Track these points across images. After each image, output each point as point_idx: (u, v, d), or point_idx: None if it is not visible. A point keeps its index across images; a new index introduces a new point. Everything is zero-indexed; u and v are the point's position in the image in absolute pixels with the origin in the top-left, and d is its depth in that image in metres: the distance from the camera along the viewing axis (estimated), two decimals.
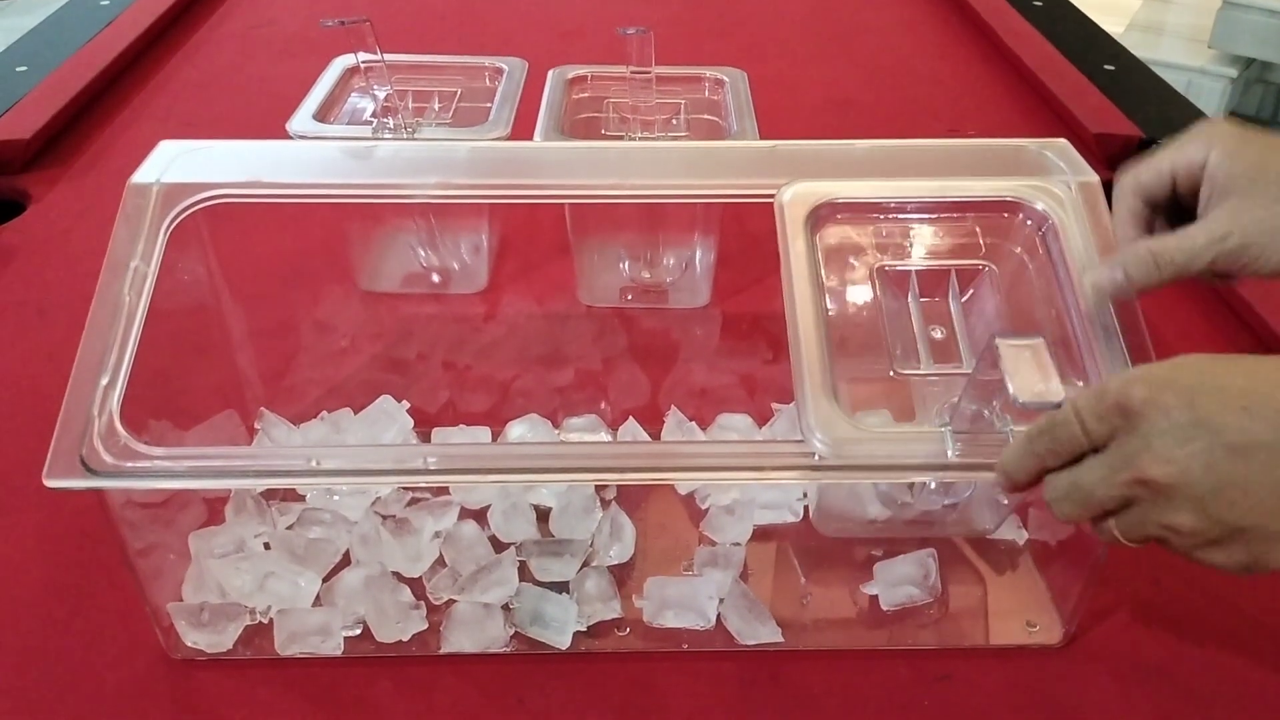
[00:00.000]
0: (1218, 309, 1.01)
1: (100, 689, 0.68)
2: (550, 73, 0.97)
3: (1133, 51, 1.49)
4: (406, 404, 0.84)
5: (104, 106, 1.36)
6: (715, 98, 0.97)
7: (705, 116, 0.95)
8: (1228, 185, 0.56)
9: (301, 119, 0.89)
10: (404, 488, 0.77)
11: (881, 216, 0.71)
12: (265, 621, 0.71)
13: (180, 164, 0.72)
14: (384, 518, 0.75)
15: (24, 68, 1.36)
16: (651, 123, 0.92)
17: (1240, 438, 0.48)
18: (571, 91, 0.96)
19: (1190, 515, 0.50)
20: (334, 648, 0.70)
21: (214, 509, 0.76)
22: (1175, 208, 0.62)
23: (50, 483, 0.59)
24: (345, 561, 0.74)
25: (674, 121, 0.94)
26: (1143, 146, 1.24)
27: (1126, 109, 1.29)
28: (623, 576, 0.75)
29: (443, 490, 0.77)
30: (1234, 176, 0.56)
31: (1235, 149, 0.57)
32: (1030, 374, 0.53)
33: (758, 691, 0.69)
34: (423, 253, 1.01)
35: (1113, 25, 1.63)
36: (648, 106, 0.91)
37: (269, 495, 0.77)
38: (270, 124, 0.90)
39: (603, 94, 0.96)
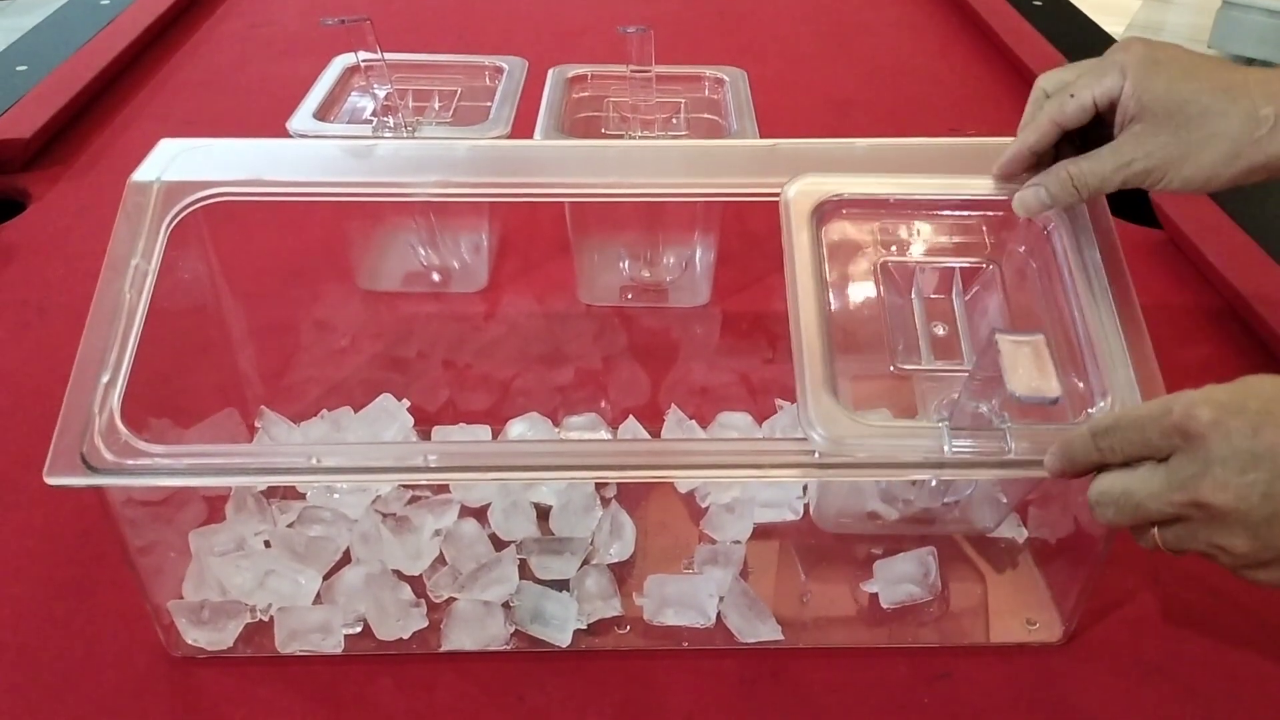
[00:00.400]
0: (1220, 307, 1.01)
1: (100, 687, 0.68)
2: (550, 72, 0.97)
3: None
4: (407, 402, 0.84)
5: (104, 106, 1.36)
6: (715, 97, 0.97)
7: (705, 116, 0.95)
8: (1138, 113, 0.61)
9: (302, 118, 0.89)
10: (404, 486, 0.77)
11: (886, 213, 0.71)
12: (266, 619, 0.71)
13: (180, 162, 0.72)
14: (384, 516, 0.75)
15: (24, 67, 1.36)
16: (651, 122, 0.92)
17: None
18: (571, 90, 0.96)
19: (1243, 539, 0.51)
20: (334, 645, 0.70)
21: (214, 507, 0.76)
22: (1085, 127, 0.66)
23: (51, 480, 0.59)
24: (346, 559, 0.74)
25: (674, 120, 0.94)
26: None
27: None
28: (623, 574, 0.75)
29: (443, 488, 0.77)
30: (1143, 105, 0.61)
31: (1145, 78, 0.61)
32: (1029, 369, 0.53)
33: (758, 689, 0.69)
34: (423, 251, 1.01)
35: (1113, 25, 1.63)
36: (647, 105, 0.91)
37: (269, 493, 0.77)
38: (270, 123, 0.90)
39: (602, 93, 0.96)
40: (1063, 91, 0.65)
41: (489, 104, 0.93)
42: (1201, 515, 0.52)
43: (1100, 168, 0.63)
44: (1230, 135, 0.59)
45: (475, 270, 1.04)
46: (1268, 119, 0.59)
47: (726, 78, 0.98)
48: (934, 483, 0.72)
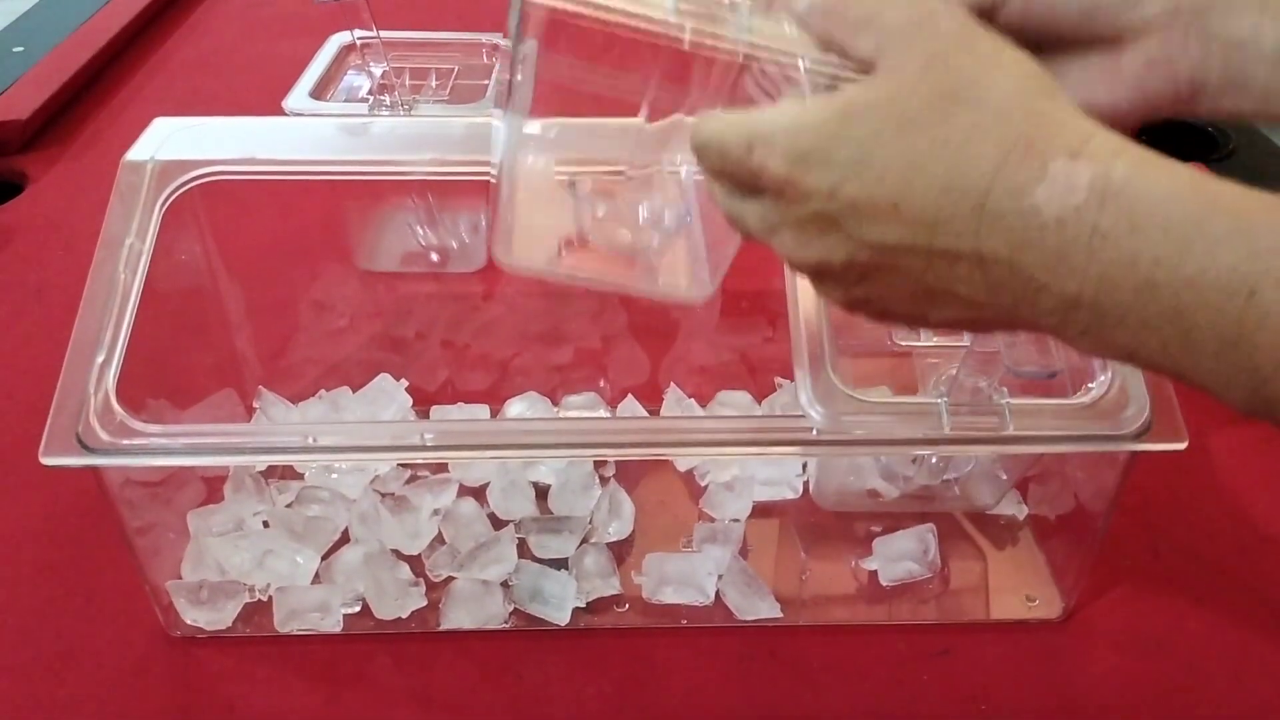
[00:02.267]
0: None
1: (100, 667, 0.68)
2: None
3: None
4: (405, 383, 0.84)
5: (101, 86, 1.35)
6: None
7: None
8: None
9: (297, 97, 0.89)
10: (403, 465, 0.77)
11: None
12: (264, 599, 0.71)
13: (175, 141, 0.71)
14: (383, 495, 0.75)
15: (20, 48, 1.35)
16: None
17: (883, 239, 0.40)
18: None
19: (837, 291, 0.44)
20: (333, 625, 0.70)
21: (213, 487, 0.76)
22: None
23: (47, 461, 0.59)
24: (344, 539, 0.74)
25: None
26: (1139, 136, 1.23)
27: None
28: (622, 553, 0.75)
29: (441, 467, 0.77)
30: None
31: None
32: (1027, 344, 0.53)
33: (757, 666, 0.69)
34: (421, 231, 1.01)
35: None
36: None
37: (268, 473, 0.77)
38: (267, 102, 0.89)
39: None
40: None
41: (486, 82, 0.93)
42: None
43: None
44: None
45: (474, 250, 1.03)
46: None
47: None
48: (934, 460, 0.72)
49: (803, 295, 0.64)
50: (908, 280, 0.41)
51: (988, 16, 0.46)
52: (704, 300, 0.59)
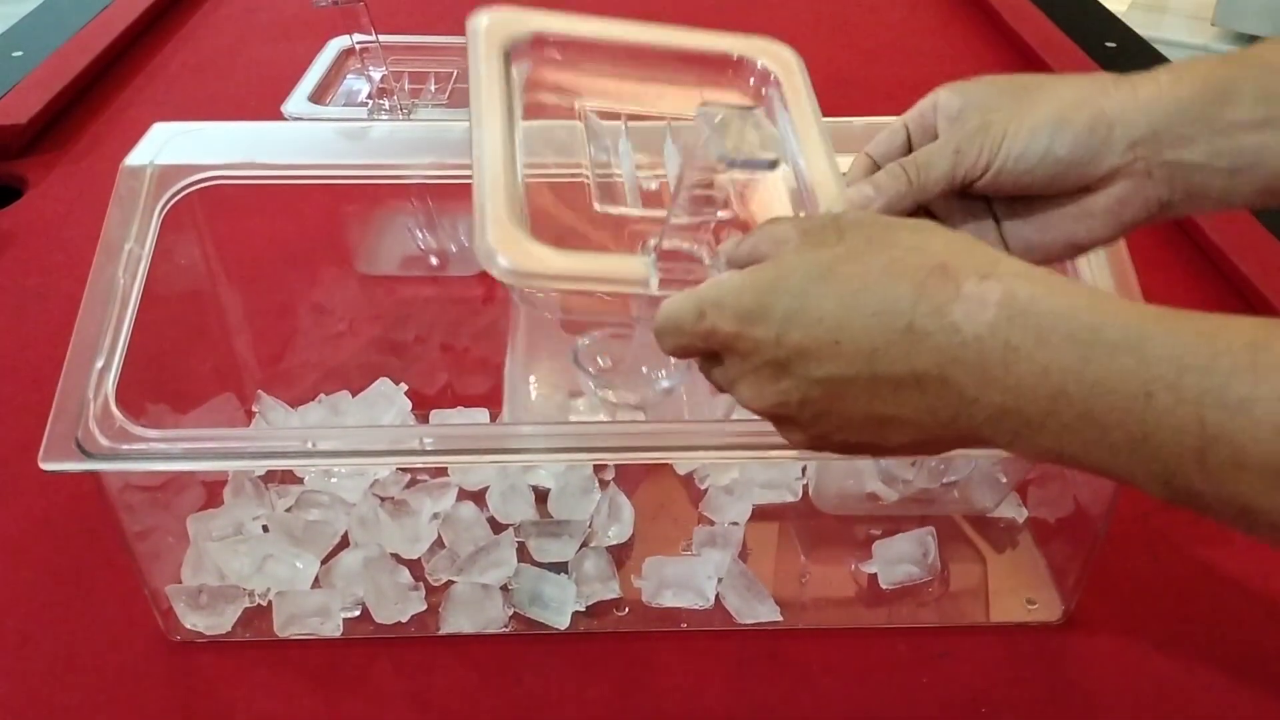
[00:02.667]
0: (1220, 285, 1.01)
1: (99, 671, 0.68)
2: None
3: (1135, 29, 1.48)
4: (404, 386, 0.84)
5: (100, 91, 1.35)
6: None
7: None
8: (962, 110, 0.53)
9: (296, 101, 0.89)
10: (402, 470, 0.77)
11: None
12: (264, 603, 0.71)
13: (174, 146, 0.71)
14: (382, 500, 0.75)
15: (19, 53, 1.36)
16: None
17: (830, 374, 0.44)
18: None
19: (797, 433, 0.47)
20: (333, 629, 0.70)
21: (212, 492, 0.76)
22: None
23: (46, 466, 0.59)
24: (344, 544, 0.74)
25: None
26: None
27: None
28: (621, 557, 0.75)
29: (441, 471, 0.77)
30: (966, 103, 0.53)
31: (963, 87, 0.54)
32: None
33: (756, 670, 0.69)
34: (420, 235, 1.01)
35: (1115, 3, 1.62)
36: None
37: (267, 478, 0.77)
38: (266, 107, 0.89)
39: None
40: None
41: None
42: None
43: (936, 146, 0.53)
44: (1069, 86, 0.51)
45: (473, 254, 1.03)
46: (1104, 78, 0.51)
47: None
48: (933, 463, 0.72)
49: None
50: (859, 410, 0.44)
51: (961, 191, 0.53)
52: None
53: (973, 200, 0.55)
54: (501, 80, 0.58)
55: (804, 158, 0.58)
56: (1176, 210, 0.51)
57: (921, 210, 0.55)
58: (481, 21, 0.61)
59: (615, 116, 0.61)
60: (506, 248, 0.51)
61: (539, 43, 0.61)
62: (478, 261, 0.51)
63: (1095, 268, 0.65)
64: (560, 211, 0.58)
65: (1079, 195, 0.52)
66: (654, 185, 0.59)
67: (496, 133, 0.55)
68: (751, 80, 0.63)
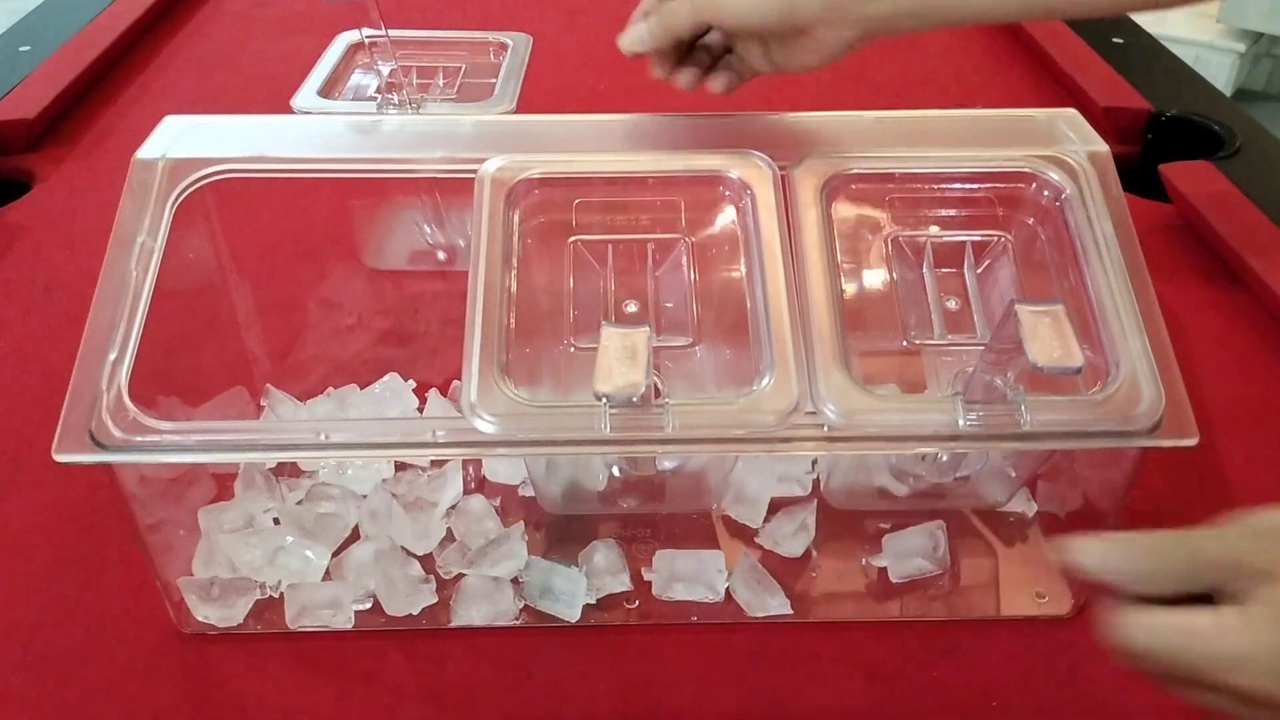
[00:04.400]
0: (1230, 280, 1.01)
1: (111, 664, 0.68)
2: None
3: (1141, 25, 1.47)
4: (413, 382, 0.84)
5: (108, 85, 1.35)
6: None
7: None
8: None
9: (306, 95, 0.89)
10: (404, 465, 0.77)
11: (895, 188, 0.71)
12: (275, 596, 0.71)
13: (185, 139, 0.72)
14: (394, 495, 0.75)
15: (27, 47, 1.36)
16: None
17: None
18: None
19: None
20: (344, 621, 0.70)
21: (223, 484, 0.76)
22: None
23: (59, 457, 0.59)
24: (355, 536, 0.74)
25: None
26: (1153, 120, 1.23)
27: (1135, 83, 1.28)
28: (632, 550, 0.75)
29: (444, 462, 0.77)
30: None
31: None
32: (1049, 340, 0.53)
33: (767, 663, 0.69)
34: (428, 229, 1.01)
35: None
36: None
37: (278, 470, 0.77)
38: (275, 100, 0.89)
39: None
40: None
41: (494, 80, 0.93)
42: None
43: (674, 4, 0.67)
44: None
45: None
46: None
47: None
48: (943, 458, 0.72)
49: (814, 294, 0.64)
50: None
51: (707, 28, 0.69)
52: None
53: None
54: (502, 224, 0.69)
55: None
56: (877, 38, 0.66)
57: (703, 50, 0.72)
58: (489, 168, 0.71)
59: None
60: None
61: (541, 183, 0.71)
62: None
63: (1107, 254, 0.65)
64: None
65: (801, 35, 0.66)
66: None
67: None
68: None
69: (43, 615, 0.71)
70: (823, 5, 0.64)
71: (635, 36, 0.70)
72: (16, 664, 0.68)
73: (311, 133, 0.76)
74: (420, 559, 0.73)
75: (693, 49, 0.72)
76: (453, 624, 0.70)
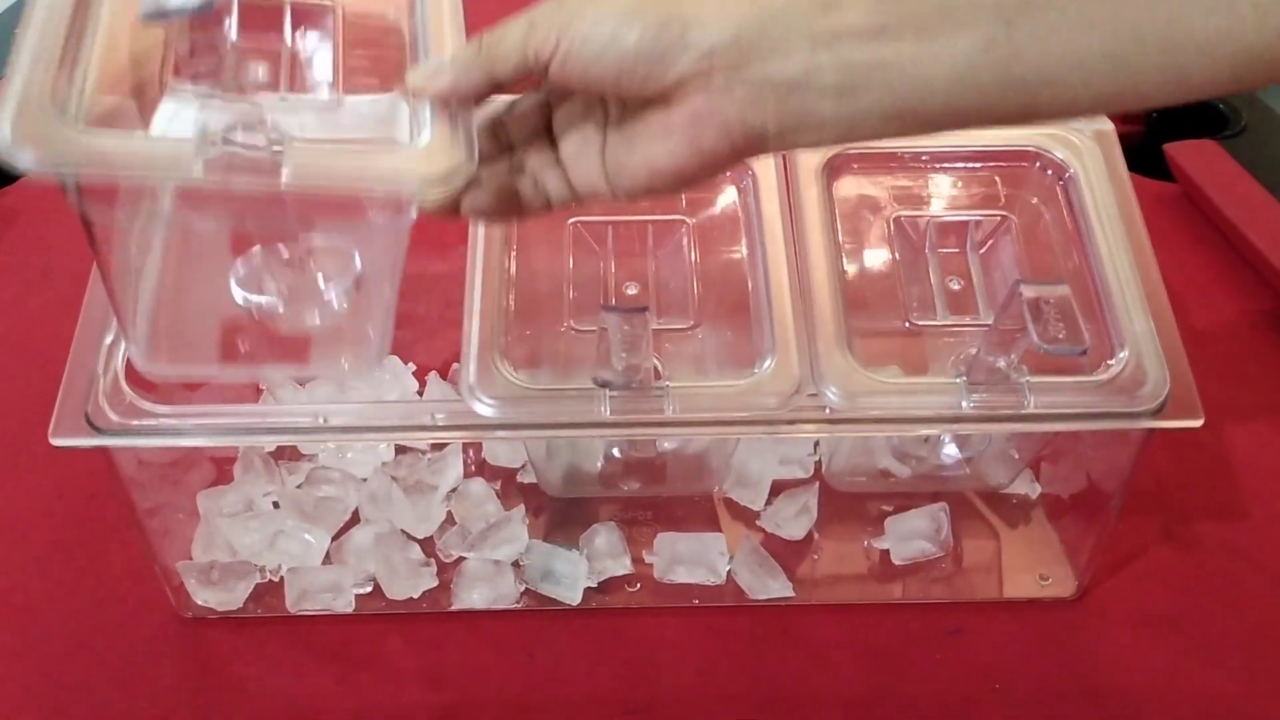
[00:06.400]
0: (1234, 259, 1.00)
1: (111, 648, 0.68)
2: None
3: None
4: (412, 365, 0.83)
5: None
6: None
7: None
8: None
9: None
10: (405, 448, 0.77)
11: (896, 167, 0.70)
12: (275, 579, 0.71)
13: (182, 119, 0.71)
14: (394, 478, 0.75)
15: None
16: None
17: None
18: None
19: None
20: (345, 605, 0.70)
21: (222, 468, 0.76)
22: None
23: (56, 441, 0.59)
24: (355, 520, 0.74)
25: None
26: (1149, 115, 1.22)
27: None
28: (634, 533, 0.74)
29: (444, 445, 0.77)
30: None
31: None
32: (1054, 321, 0.52)
33: (769, 646, 0.68)
34: None
35: None
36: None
37: (277, 454, 0.77)
38: None
39: None
40: None
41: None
42: None
43: (507, 21, 0.45)
44: None
45: None
46: None
47: None
48: (947, 440, 0.71)
49: (815, 272, 0.63)
50: None
51: (541, 72, 0.45)
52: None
53: (591, 109, 0.48)
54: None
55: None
56: (780, 141, 0.43)
57: (535, 111, 0.49)
58: None
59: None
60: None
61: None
62: None
63: (1110, 232, 0.65)
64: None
65: (660, 107, 0.44)
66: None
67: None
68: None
69: (42, 600, 0.70)
70: (704, 56, 0.42)
71: (434, 69, 0.47)
72: (16, 649, 0.68)
73: None
74: (421, 542, 0.72)
75: (491, 129, 0.49)
76: (453, 607, 0.70)
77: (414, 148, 0.47)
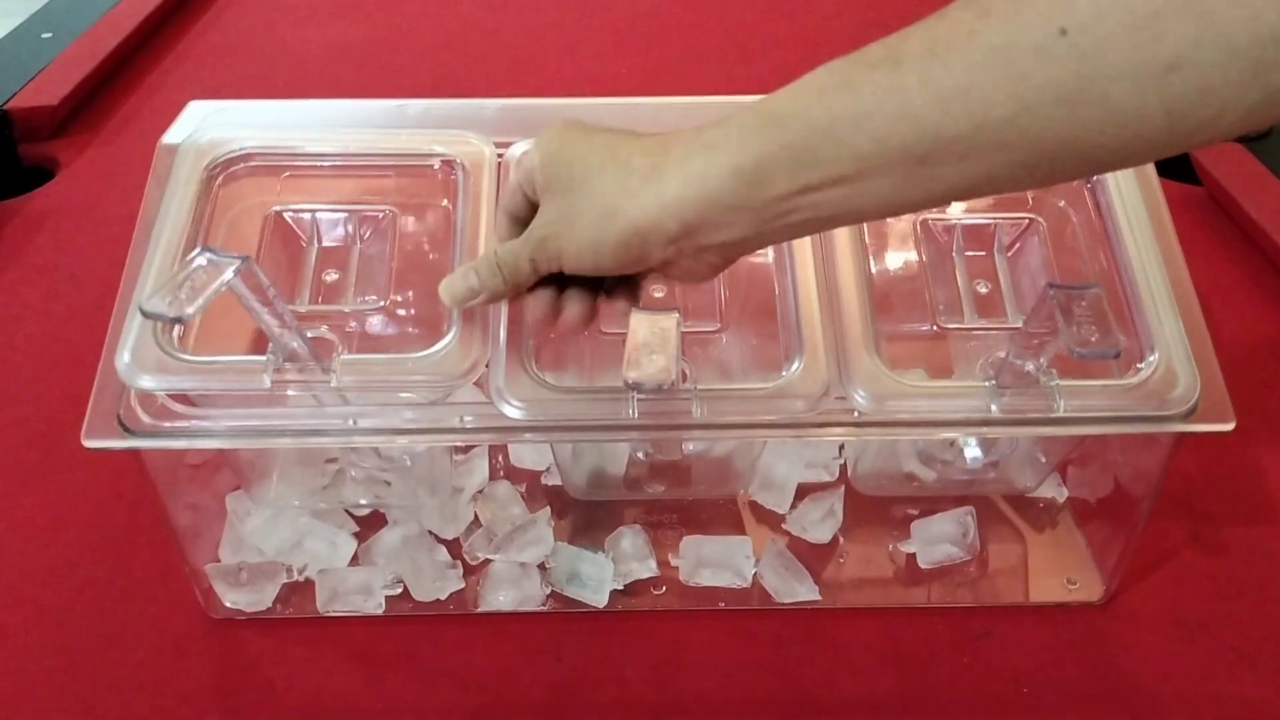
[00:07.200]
0: (1261, 262, 0.99)
1: (141, 649, 0.68)
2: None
3: None
4: None
5: (130, 71, 1.35)
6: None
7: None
8: (544, 180, 0.54)
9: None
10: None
11: None
12: (303, 580, 0.71)
13: (210, 124, 0.71)
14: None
15: (49, 34, 1.36)
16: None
17: None
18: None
19: None
20: (375, 606, 0.70)
21: None
22: None
23: (89, 443, 0.59)
24: (383, 521, 0.74)
25: None
26: None
27: None
28: (659, 536, 0.74)
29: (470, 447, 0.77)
30: (548, 179, 0.54)
31: (553, 151, 0.54)
32: (1087, 324, 0.52)
33: (795, 649, 0.68)
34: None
35: None
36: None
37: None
38: (295, 86, 0.89)
39: None
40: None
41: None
42: None
43: (515, 246, 0.56)
44: (604, 192, 0.51)
45: None
46: (639, 169, 0.50)
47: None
48: (973, 444, 0.71)
49: (843, 278, 0.63)
50: None
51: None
52: None
53: None
54: None
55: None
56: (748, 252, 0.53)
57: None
58: (516, 150, 0.69)
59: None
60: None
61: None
62: None
63: (1139, 235, 0.64)
64: None
65: (662, 269, 0.54)
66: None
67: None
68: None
69: (73, 600, 0.71)
70: (667, 245, 0.50)
71: (463, 285, 0.57)
72: (47, 648, 0.68)
73: (336, 116, 0.76)
74: (448, 544, 0.73)
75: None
76: (480, 609, 0.70)
77: (442, 351, 0.60)
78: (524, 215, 0.57)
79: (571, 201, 0.53)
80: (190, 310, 0.52)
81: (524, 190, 0.57)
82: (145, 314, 0.53)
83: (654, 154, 0.50)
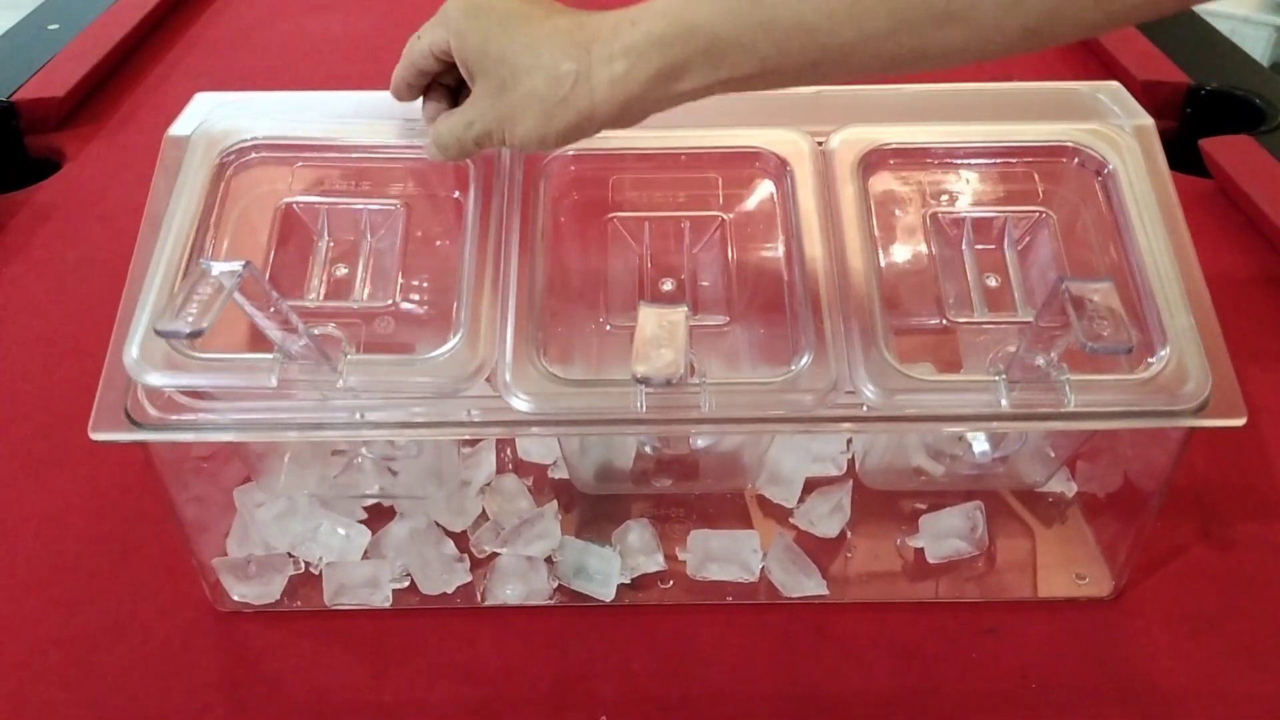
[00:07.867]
0: (1271, 255, 0.99)
1: (148, 641, 0.68)
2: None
3: None
4: None
5: (136, 63, 1.35)
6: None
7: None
8: (471, 70, 0.58)
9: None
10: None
11: (933, 162, 0.69)
12: (314, 572, 0.71)
13: (217, 116, 0.71)
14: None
15: (55, 25, 1.36)
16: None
17: None
18: None
19: None
20: (383, 600, 0.70)
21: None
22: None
23: (95, 436, 0.59)
24: (391, 514, 0.74)
25: None
26: (1191, 94, 1.21)
27: (1173, 56, 1.26)
28: (667, 530, 0.74)
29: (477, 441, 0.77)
30: (469, 62, 0.58)
31: (464, 32, 0.58)
32: (1099, 318, 0.52)
33: (802, 644, 0.68)
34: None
35: None
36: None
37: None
38: (302, 78, 0.89)
39: None
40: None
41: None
42: None
43: (457, 131, 0.60)
44: (539, 95, 0.55)
45: None
46: (568, 75, 0.55)
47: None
48: (982, 438, 0.71)
49: (852, 271, 0.63)
50: None
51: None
52: None
53: None
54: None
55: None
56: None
57: None
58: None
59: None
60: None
61: (576, 159, 0.70)
62: None
63: (1150, 229, 0.64)
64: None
65: None
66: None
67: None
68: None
69: (80, 593, 0.71)
70: (600, 129, 0.57)
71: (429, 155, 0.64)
72: (54, 642, 0.68)
73: (343, 107, 0.76)
74: (455, 538, 0.72)
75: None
76: (487, 603, 0.70)
77: (450, 352, 0.61)
78: (432, 70, 0.62)
79: (509, 103, 0.57)
80: (205, 324, 0.52)
81: (435, 54, 0.60)
82: (160, 334, 0.53)
83: (578, 57, 0.54)
